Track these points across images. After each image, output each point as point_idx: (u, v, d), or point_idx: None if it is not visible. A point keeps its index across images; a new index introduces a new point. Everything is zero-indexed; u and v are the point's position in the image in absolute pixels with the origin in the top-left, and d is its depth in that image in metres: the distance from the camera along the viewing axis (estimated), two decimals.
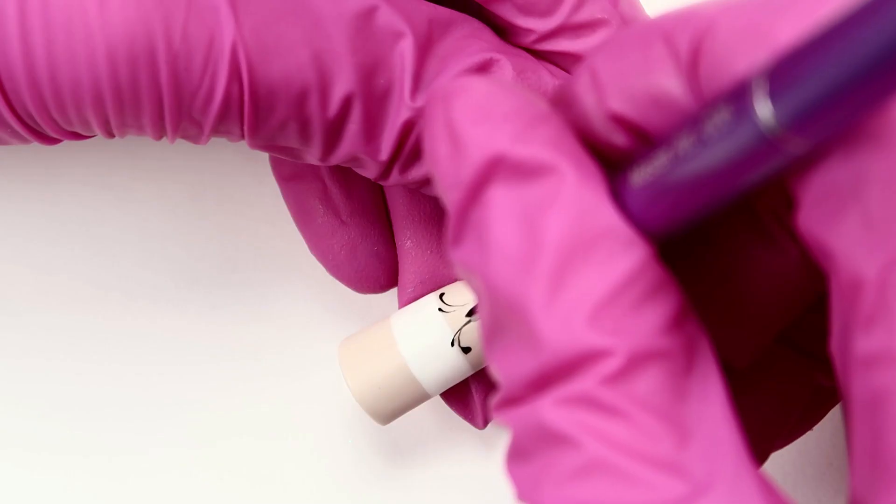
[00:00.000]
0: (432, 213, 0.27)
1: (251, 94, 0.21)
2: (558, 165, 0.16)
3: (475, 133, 0.16)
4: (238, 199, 0.30)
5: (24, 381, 0.30)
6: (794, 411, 0.22)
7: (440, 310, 0.26)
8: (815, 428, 0.23)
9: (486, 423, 0.28)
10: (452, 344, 0.25)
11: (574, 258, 0.15)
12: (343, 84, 0.21)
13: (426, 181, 0.23)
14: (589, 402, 0.15)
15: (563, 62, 0.23)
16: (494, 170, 0.16)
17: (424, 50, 0.22)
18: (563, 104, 0.18)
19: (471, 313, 0.26)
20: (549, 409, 0.15)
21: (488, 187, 0.16)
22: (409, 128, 0.22)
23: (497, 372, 0.17)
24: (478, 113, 0.17)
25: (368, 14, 0.21)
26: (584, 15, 0.23)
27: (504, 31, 0.24)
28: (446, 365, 0.25)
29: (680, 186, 0.16)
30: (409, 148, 0.22)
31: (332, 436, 0.30)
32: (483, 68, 0.22)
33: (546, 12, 0.23)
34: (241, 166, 0.30)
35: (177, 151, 0.30)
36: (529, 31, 0.23)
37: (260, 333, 0.30)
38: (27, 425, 0.30)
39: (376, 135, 0.22)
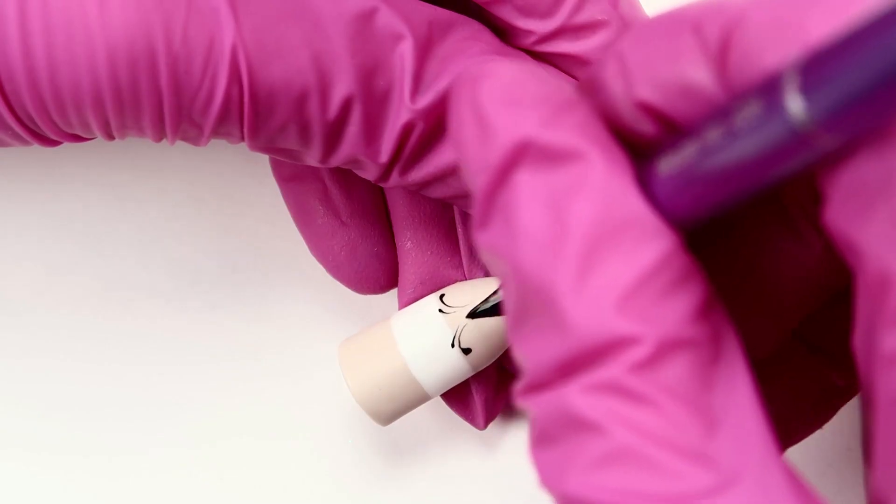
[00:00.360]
0: (432, 215, 0.27)
1: (251, 97, 0.21)
2: (586, 152, 0.16)
3: (503, 117, 0.16)
4: (238, 199, 0.30)
5: (24, 381, 0.30)
6: (805, 408, 0.22)
7: (440, 311, 0.26)
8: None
9: (486, 423, 0.28)
10: (453, 345, 0.25)
11: (601, 245, 0.15)
12: (343, 86, 0.21)
13: (426, 183, 0.23)
14: (617, 390, 0.15)
15: (563, 64, 0.23)
16: (522, 154, 0.16)
17: (424, 52, 0.22)
18: (590, 91, 0.18)
19: (471, 314, 0.25)
20: (577, 396, 0.15)
21: (516, 171, 0.16)
22: (409, 130, 0.22)
23: (522, 356, 0.16)
24: (506, 97, 0.16)
25: (368, 16, 0.21)
26: (584, 16, 0.23)
27: (504, 33, 0.23)
28: (446, 366, 0.25)
29: (707, 177, 0.16)
30: (410, 150, 0.22)
31: (332, 436, 0.30)
32: None
33: (546, 14, 0.23)
34: (241, 166, 0.30)
35: (177, 151, 0.30)
36: (529, 32, 0.23)
37: (260, 333, 0.30)
38: (27, 425, 0.30)
39: (376, 137, 0.22)
